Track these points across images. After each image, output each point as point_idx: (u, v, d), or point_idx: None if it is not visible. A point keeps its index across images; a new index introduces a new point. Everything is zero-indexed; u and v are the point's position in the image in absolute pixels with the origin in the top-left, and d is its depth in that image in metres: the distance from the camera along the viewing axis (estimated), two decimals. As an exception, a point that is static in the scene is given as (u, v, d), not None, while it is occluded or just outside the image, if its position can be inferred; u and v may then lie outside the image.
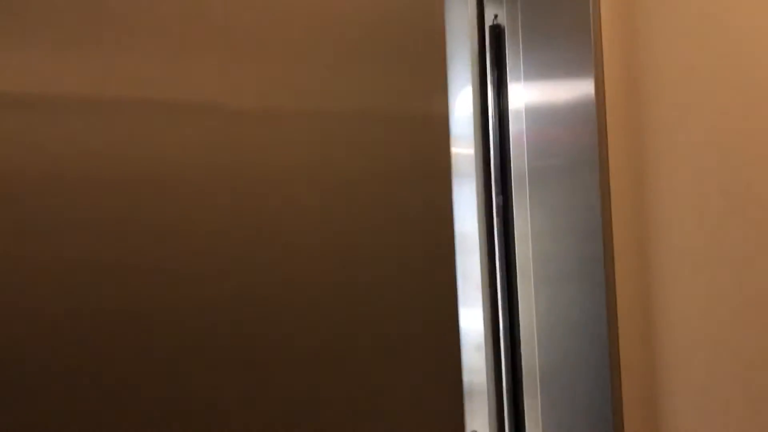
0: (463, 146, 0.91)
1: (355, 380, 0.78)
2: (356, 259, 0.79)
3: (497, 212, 0.89)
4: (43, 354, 0.64)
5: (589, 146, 0.80)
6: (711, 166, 0.74)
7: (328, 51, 0.79)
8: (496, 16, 0.93)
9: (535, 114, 0.86)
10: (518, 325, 0.86)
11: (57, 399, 0.64)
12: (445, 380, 0.84)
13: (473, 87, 0.92)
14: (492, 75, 0.91)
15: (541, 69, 0.86)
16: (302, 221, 0.76)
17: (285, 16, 0.77)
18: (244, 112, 0.74)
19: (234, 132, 0.73)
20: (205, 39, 0.72)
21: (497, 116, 0.90)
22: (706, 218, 0.74)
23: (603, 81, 0.80)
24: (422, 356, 0.82)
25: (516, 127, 0.88)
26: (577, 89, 0.81)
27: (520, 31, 0.88)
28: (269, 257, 0.74)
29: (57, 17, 0.65)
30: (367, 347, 0.79)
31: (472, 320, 0.88)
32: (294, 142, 0.76)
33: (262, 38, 0.75)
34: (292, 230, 0.76)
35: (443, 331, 0.83)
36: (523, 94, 0.87)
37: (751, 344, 0.71)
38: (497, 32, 0.92)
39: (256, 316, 0.73)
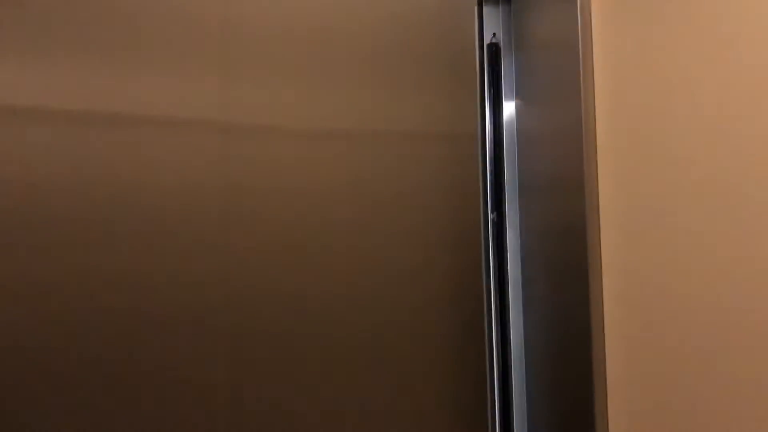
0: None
1: (388, 382, 0.81)
2: (390, 269, 0.82)
3: (492, 229, 0.90)
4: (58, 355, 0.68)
5: (578, 166, 0.80)
6: (697, 186, 0.74)
7: (364, 75, 0.82)
8: (494, 35, 0.94)
9: (527, 133, 0.87)
10: (510, 341, 0.87)
11: (76, 398, 0.68)
12: (472, 385, 0.86)
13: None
14: (489, 93, 0.93)
15: (533, 88, 0.87)
16: (336, 234, 0.79)
17: (323, 42, 0.80)
18: (283, 132, 0.78)
19: (272, 151, 0.77)
20: (247, 63, 0.76)
21: (492, 133, 0.92)
22: (692, 237, 0.74)
23: (594, 102, 0.81)
24: (451, 363, 0.85)
25: (509, 145, 0.89)
26: (567, 109, 0.82)
27: (513, 50, 0.89)
28: (305, 267, 0.78)
29: (85, 33, 0.70)
30: (397, 351, 0.82)
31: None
32: (330, 160, 0.80)
33: (298, 62, 0.79)
34: (326, 243, 0.79)
35: (471, 338, 0.86)
36: (516, 113, 0.88)
37: (736, 362, 0.71)
38: (494, 50, 0.94)
39: (280, 323, 0.77)
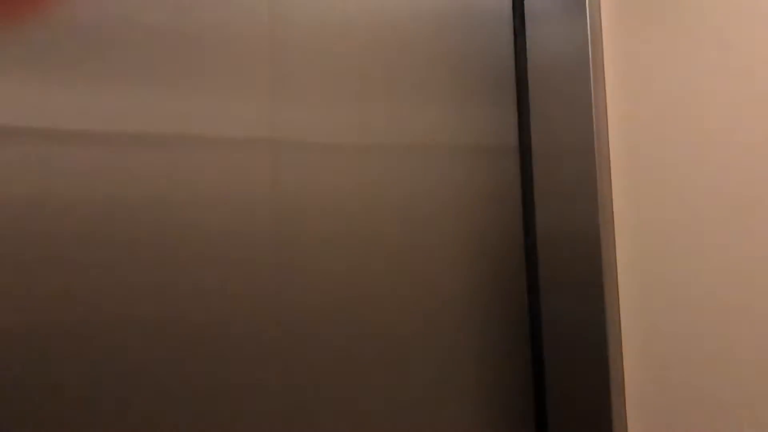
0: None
1: (440, 379, 0.84)
2: (438, 281, 0.85)
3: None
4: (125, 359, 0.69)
5: (591, 178, 0.84)
6: (710, 196, 0.76)
7: (410, 90, 0.85)
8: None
9: (542, 145, 0.90)
10: (540, 331, 0.90)
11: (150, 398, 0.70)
12: (519, 380, 0.90)
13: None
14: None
15: (546, 101, 0.89)
16: (386, 246, 0.82)
17: (369, 58, 0.83)
18: (331, 147, 0.80)
19: (321, 166, 0.79)
20: (295, 80, 0.78)
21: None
22: (705, 245, 0.77)
23: (606, 115, 0.84)
24: (497, 363, 0.88)
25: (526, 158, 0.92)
26: (579, 122, 0.85)
27: (527, 70, 0.91)
28: (356, 278, 0.80)
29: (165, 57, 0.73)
30: (447, 352, 0.85)
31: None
32: (375, 173, 0.82)
33: (345, 79, 0.81)
34: (377, 254, 0.81)
35: (515, 338, 0.89)
36: (532, 126, 0.91)
37: (754, 367, 0.74)
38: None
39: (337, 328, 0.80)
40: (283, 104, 0.78)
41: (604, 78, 0.84)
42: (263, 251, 0.76)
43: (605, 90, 0.84)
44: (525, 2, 0.93)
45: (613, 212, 0.84)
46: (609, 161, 0.84)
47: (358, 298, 0.80)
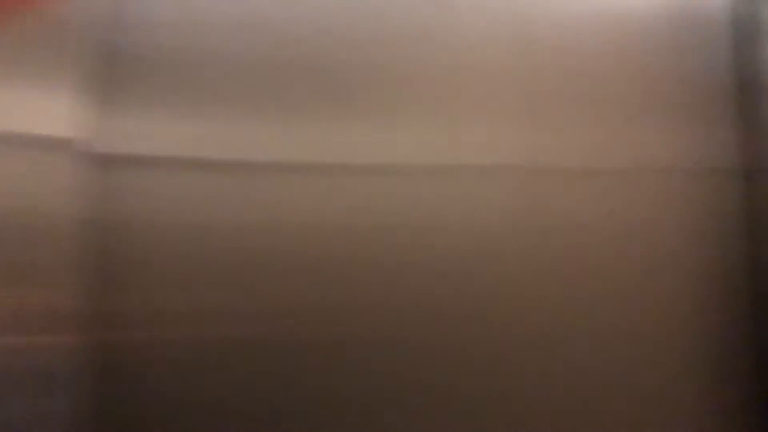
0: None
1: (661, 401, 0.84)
2: (661, 296, 0.84)
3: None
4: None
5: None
6: None
7: (633, 112, 0.86)
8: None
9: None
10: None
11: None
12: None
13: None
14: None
15: None
16: (592, 270, 0.82)
17: (574, 78, 0.84)
18: (540, 171, 0.82)
19: (530, 190, 0.82)
20: (542, 110, 0.82)
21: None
22: None
23: None
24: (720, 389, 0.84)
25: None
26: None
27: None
28: (554, 297, 0.81)
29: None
30: (670, 371, 0.83)
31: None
32: (582, 198, 0.83)
33: (583, 106, 0.84)
34: (607, 275, 0.82)
35: (738, 365, 0.84)
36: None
37: None
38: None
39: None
40: (528, 131, 0.82)
41: None
42: (504, 272, 0.79)
43: None
44: (760, 13, 0.90)
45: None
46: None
47: (590, 321, 0.81)
